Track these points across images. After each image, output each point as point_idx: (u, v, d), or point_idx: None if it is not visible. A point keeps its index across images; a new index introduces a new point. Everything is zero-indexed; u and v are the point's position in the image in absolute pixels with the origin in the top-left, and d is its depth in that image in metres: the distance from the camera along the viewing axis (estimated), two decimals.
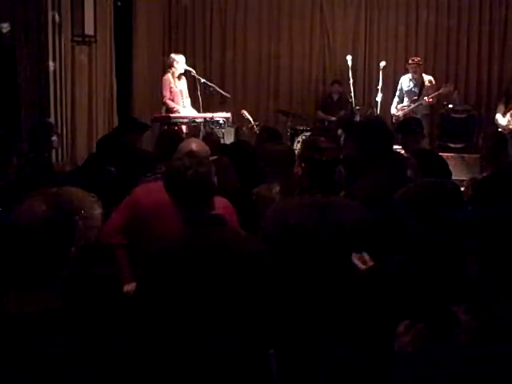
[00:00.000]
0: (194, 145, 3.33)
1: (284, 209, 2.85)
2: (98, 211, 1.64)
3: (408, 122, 5.49)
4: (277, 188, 3.43)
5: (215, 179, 2.38)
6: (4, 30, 7.29)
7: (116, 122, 8.90)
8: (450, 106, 9.46)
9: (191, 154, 2.40)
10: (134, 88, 9.53)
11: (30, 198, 1.58)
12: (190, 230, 2.30)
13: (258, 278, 2.25)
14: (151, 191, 3.07)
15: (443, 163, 3.59)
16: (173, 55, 8.09)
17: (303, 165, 2.85)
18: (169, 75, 7.88)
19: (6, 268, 1.55)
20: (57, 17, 7.53)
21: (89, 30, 8.09)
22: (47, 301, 1.55)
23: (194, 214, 2.30)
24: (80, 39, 8.05)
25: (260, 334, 2.24)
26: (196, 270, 2.16)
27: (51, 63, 7.41)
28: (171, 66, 7.89)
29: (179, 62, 7.86)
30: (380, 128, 3.43)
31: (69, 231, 1.57)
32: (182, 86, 8.01)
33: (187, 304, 2.16)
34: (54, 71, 7.59)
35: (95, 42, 8.31)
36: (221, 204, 2.94)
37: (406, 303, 2.06)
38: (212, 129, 7.62)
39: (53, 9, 7.52)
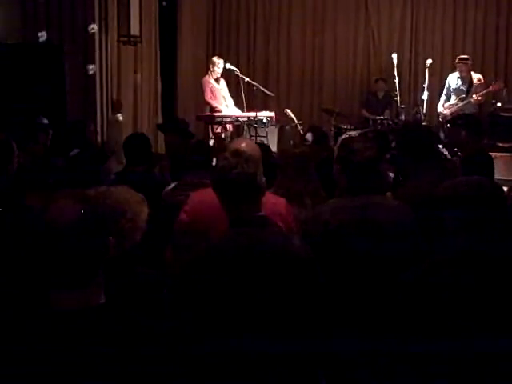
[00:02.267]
0: (244, 144, 3.29)
1: (323, 211, 2.83)
2: (144, 212, 1.64)
3: (478, 120, 5.26)
4: (280, 192, 3.40)
5: (263, 179, 2.34)
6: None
7: (160, 122, 9.00)
8: (499, 104, 9.24)
9: (237, 152, 2.35)
10: (179, 87, 9.61)
11: (62, 198, 1.59)
12: (235, 230, 2.27)
13: (300, 279, 2.22)
14: (203, 201, 3.05)
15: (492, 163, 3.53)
16: (214, 58, 8.22)
17: (339, 166, 2.82)
18: (207, 77, 8.05)
19: (46, 266, 1.56)
20: (104, 21, 7.66)
21: (134, 30, 8.19)
22: (90, 297, 1.57)
23: (239, 214, 2.28)
24: (126, 39, 8.15)
25: (303, 333, 2.22)
26: (237, 272, 2.15)
27: (91, 67, 7.53)
28: (210, 68, 8.04)
29: (217, 65, 7.97)
30: (421, 131, 3.40)
31: (101, 229, 1.58)
32: (222, 87, 8.15)
33: (228, 305, 2.15)
34: (101, 71, 7.70)
35: (140, 42, 8.41)
36: (279, 204, 2.94)
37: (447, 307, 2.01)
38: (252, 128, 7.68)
39: (99, 10, 7.64)
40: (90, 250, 1.56)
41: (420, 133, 3.35)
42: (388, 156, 4.36)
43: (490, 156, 4.01)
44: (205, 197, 3.02)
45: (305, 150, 3.87)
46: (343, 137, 7.23)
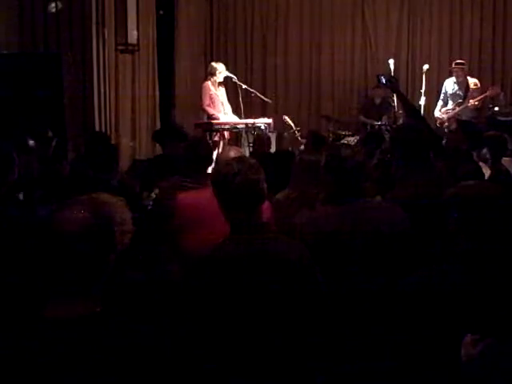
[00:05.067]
0: (233, 152, 3.38)
1: (319, 216, 2.84)
2: (129, 215, 1.65)
3: (481, 138, 5.28)
4: (293, 195, 3.54)
5: (265, 186, 2.34)
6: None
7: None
8: (496, 108, 9.26)
9: (240, 159, 2.36)
10: (177, 95, 9.63)
11: (70, 206, 1.60)
12: (236, 237, 2.27)
13: (301, 284, 2.23)
14: (192, 199, 3.16)
15: None
16: (213, 64, 8.14)
17: (328, 173, 2.84)
18: (208, 83, 7.93)
19: (48, 273, 1.57)
20: (101, 30, 7.69)
21: (132, 38, 8.22)
22: (89, 305, 1.58)
23: (240, 221, 2.27)
24: (123, 48, 8.18)
25: (304, 339, 2.23)
26: (239, 278, 2.16)
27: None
28: (212, 74, 7.95)
29: (219, 71, 7.90)
30: (411, 133, 3.44)
31: (108, 238, 1.59)
32: (221, 94, 8.07)
33: (231, 312, 2.16)
34: (99, 79, 7.73)
35: (138, 50, 8.43)
36: (266, 208, 2.98)
37: (447, 314, 2.01)
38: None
39: (97, 19, 7.67)
40: (97, 257, 1.57)
41: (410, 134, 3.38)
42: (375, 161, 4.42)
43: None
44: (191, 199, 3.21)
45: (320, 157, 3.95)
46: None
